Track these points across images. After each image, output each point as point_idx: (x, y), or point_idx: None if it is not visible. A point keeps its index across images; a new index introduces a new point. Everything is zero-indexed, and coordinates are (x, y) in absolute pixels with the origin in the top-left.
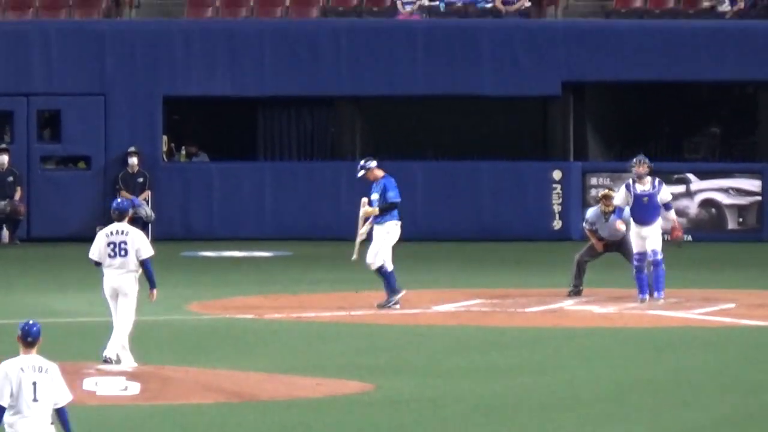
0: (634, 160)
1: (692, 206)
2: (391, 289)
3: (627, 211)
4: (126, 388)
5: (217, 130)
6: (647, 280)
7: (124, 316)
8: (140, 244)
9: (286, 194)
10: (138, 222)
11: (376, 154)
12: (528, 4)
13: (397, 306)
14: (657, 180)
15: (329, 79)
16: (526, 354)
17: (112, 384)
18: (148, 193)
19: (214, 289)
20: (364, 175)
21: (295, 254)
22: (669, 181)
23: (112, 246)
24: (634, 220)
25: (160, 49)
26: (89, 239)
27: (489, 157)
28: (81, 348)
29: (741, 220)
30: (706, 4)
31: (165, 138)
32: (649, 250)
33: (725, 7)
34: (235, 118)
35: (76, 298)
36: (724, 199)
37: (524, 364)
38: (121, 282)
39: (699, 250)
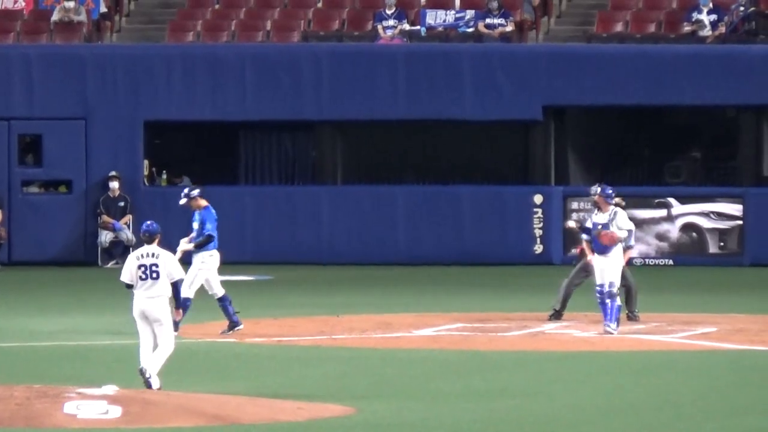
0: (592, 189)
1: (673, 230)
2: (228, 316)
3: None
4: (107, 412)
5: (198, 154)
6: (618, 309)
7: (164, 342)
8: (171, 266)
9: (267, 218)
10: (119, 246)
11: (357, 179)
12: (510, 28)
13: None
14: (615, 210)
15: (310, 104)
16: (507, 378)
17: (94, 408)
18: (129, 218)
19: (195, 312)
20: (186, 203)
21: (276, 278)
22: (650, 206)
23: (143, 269)
24: (594, 250)
25: (142, 74)
26: (70, 263)
27: (470, 182)
28: (62, 371)
29: (722, 244)
30: (687, 28)
31: (146, 162)
32: (606, 283)
33: (706, 31)
34: (217, 142)
35: (57, 321)
36: (705, 223)
37: (505, 388)
38: (150, 306)
39: (680, 274)
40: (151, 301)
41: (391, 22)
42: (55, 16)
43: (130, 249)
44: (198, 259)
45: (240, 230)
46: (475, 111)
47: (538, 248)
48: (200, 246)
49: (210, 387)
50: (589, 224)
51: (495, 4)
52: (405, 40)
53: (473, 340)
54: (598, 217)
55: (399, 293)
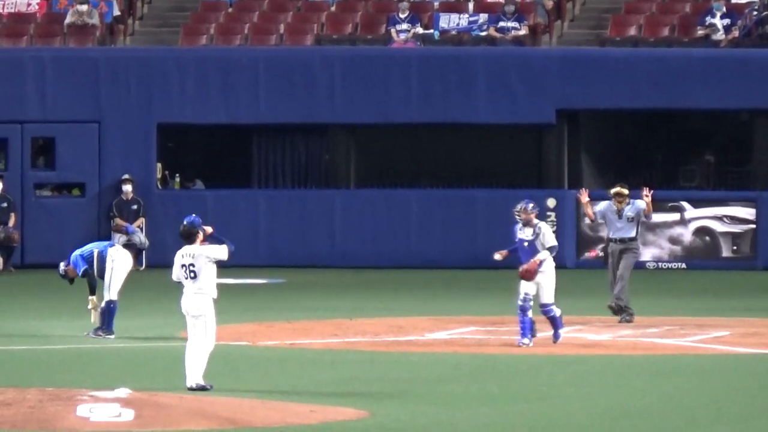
0: (518, 206)
1: (686, 234)
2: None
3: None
4: (120, 415)
5: (211, 157)
6: (531, 324)
7: (194, 339)
8: (208, 255)
9: (281, 222)
10: (132, 249)
11: (370, 182)
12: (523, 32)
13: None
14: (538, 226)
15: (323, 107)
16: (520, 381)
17: (106, 411)
18: (142, 221)
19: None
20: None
21: (289, 281)
22: (663, 209)
23: (184, 268)
24: (523, 262)
25: (155, 77)
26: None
27: (483, 185)
28: (75, 374)
29: (735, 248)
30: (700, 32)
31: (159, 165)
32: (540, 302)
33: (720, 35)
34: (230, 145)
35: (70, 324)
36: (718, 227)
37: (518, 392)
38: (192, 304)
39: (693, 278)
40: (191, 299)
41: (404, 26)
42: (68, 19)
43: (143, 252)
44: (108, 260)
45: (253, 233)
46: (489, 114)
47: None
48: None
49: (223, 390)
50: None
51: (509, 8)
52: (418, 43)
53: (486, 344)
54: (524, 233)
55: (412, 296)
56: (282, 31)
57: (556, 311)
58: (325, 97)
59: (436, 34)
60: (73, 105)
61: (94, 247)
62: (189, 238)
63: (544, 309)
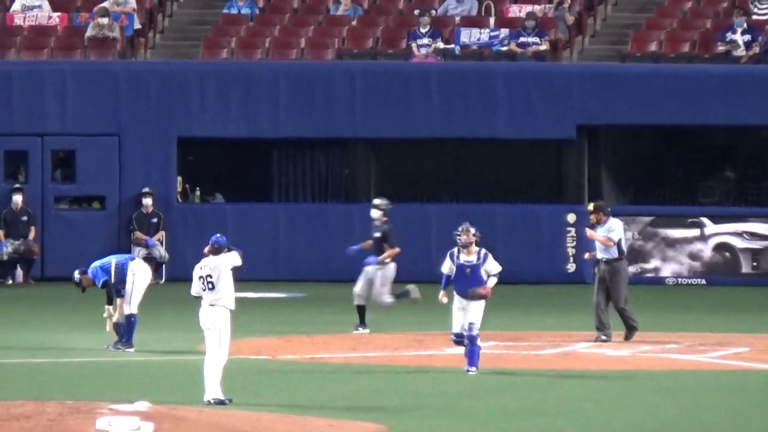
0: (460, 228)
1: (706, 250)
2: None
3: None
4: (139, 428)
5: (231, 171)
6: (478, 351)
7: (211, 352)
8: (227, 264)
9: (301, 236)
10: (152, 262)
11: (390, 197)
12: (544, 47)
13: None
14: (483, 251)
15: (344, 121)
16: (540, 396)
17: (126, 424)
18: (162, 234)
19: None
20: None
21: (309, 296)
22: (683, 225)
23: (202, 280)
24: (456, 291)
25: (175, 90)
26: None
27: (503, 200)
28: (94, 387)
29: (755, 264)
30: (721, 48)
31: (179, 179)
32: (466, 324)
33: (740, 51)
34: (250, 159)
35: (89, 337)
36: (738, 243)
37: (538, 407)
38: (208, 316)
39: (713, 294)
40: (208, 310)
41: (425, 41)
42: (89, 32)
43: (163, 266)
44: (129, 274)
45: (273, 248)
46: (509, 129)
47: (571, 267)
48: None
49: (242, 404)
50: (446, 269)
51: (530, 23)
52: (439, 58)
53: (506, 359)
54: (467, 257)
55: (431, 311)
56: (303, 45)
57: (477, 332)
58: (345, 112)
59: (457, 48)
60: (93, 118)
61: (113, 259)
62: (217, 253)
63: (469, 326)
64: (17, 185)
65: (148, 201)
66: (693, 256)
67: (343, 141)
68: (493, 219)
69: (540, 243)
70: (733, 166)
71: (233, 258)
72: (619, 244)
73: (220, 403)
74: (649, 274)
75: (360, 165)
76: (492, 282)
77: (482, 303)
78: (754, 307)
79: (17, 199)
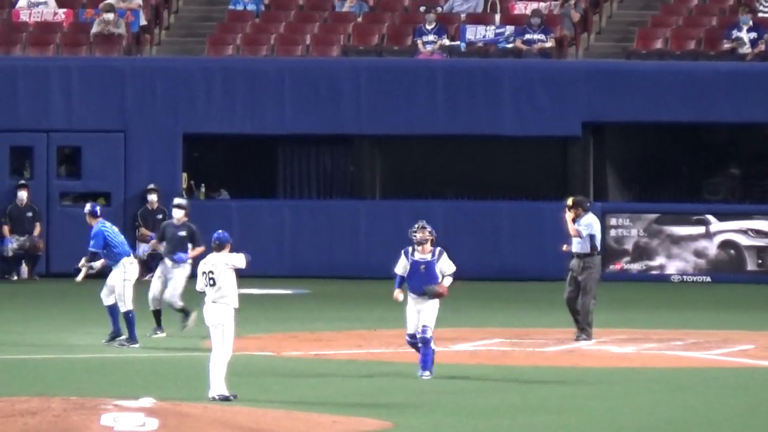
0: (415, 225)
1: (711, 247)
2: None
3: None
4: (144, 425)
5: (236, 167)
6: (432, 354)
7: (214, 349)
8: (227, 261)
9: (305, 232)
10: (157, 259)
11: (395, 193)
12: (549, 44)
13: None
14: (438, 249)
15: (349, 118)
16: (545, 393)
17: (131, 420)
18: None
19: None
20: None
21: (314, 292)
22: (688, 222)
23: (205, 276)
24: (410, 290)
25: (181, 87)
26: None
27: (508, 197)
28: (99, 384)
29: (760, 261)
30: (727, 46)
31: (185, 175)
32: (420, 326)
33: (746, 49)
34: (255, 156)
35: (94, 334)
36: (743, 240)
37: (542, 404)
38: (210, 313)
39: (718, 292)
40: (211, 307)
41: (431, 37)
42: (94, 29)
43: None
44: (119, 271)
45: (278, 244)
46: (514, 127)
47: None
48: (90, 261)
49: (246, 400)
50: (400, 269)
51: (535, 20)
52: (445, 55)
53: (511, 356)
54: (421, 255)
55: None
56: (308, 41)
57: (431, 334)
58: (350, 108)
59: (463, 45)
60: (98, 114)
61: (121, 243)
62: (220, 249)
63: (422, 328)
64: (22, 181)
65: (153, 197)
66: (698, 254)
67: (349, 138)
68: (498, 216)
69: (545, 240)
70: (739, 164)
71: (236, 259)
72: (592, 240)
73: (225, 399)
74: (654, 272)
75: (365, 162)
76: (447, 282)
77: (436, 304)
78: (759, 304)
79: (22, 195)
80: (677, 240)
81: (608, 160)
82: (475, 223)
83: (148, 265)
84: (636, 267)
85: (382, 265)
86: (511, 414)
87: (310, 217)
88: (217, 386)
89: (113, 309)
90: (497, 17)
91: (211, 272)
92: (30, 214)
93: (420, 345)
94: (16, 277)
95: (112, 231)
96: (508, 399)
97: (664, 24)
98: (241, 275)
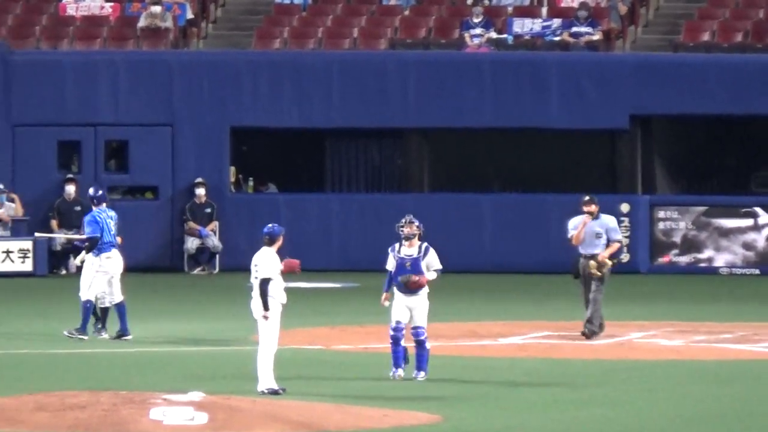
0: (402, 220)
1: (760, 240)
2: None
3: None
4: (193, 419)
5: (284, 161)
6: (404, 353)
7: (264, 341)
8: (261, 265)
9: (353, 226)
10: (205, 253)
11: (443, 186)
12: (597, 37)
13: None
14: (425, 245)
15: (397, 111)
16: (594, 387)
17: (180, 414)
18: (215, 224)
19: (281, 319)
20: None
21: (362, 286)
22: (736, 215)
23: (253, 269)
24: (396, 287)
25: (228, 80)
26: (156, 269)
27: (556, 190)
28: (149, 378)
29: None
30: None
31: (232, 169)
32: (413, 327)
33: None
34: (303, 149)
35: (143, 328)
36: None
37: (592, 397)
38: (253, 305)
39: (766, 284)
40: (253, 301)
41: (478, 31)
42: (141, 23)
43: (216, 256)
44: (95, 262)
45: (326, 238)
46: (562, 119)
47: (625, 257)
48: (89, 250)
49: (296, 394)
50: (390, 264)
51: (583, 13)
52: (492, 48)
53: (560, 349)
54: (408, 250)
55: (485, 301)
56: (356, 35)
57: (426, 335)
58: (398, 102)
59: (510, 38)
60: (146, 108)
61: (110, 228)
62: (270, 243)
63: (415, 331)
64: (70, 175)
65: (201, 191)
66: (746, 246)
67: (396, 131)
68: (546, 209)
69: None
70: None
71: (266, 268)
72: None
73: (274, 393)
74: (702, 264)
75: (413, 155)
76: (431, 276)
77: (426, 304)
78: None
79: (70, 189)
80: (725, 233)
81: (656, 152)
82: (523, 216)
83: (196, 259)
84: (684, 260)
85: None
86: (560, 408)
87: (358, 210)
88: (266, 380)
89: (119, 307)
90: (544, 10)
91: (256, 266)
92: (78, 208)
93: (416, 346)
94: (64, 272)
95: (107, 222)
96: (557, 392)
97: (711, 16)
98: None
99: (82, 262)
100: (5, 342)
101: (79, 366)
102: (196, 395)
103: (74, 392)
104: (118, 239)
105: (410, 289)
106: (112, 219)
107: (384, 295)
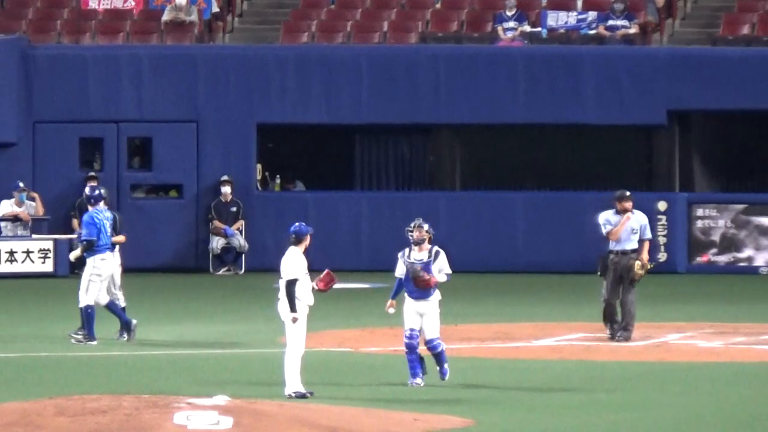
0: (412, 224)
1: None
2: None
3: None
4: (218, 423)
5: (312, 158)
6: (420, 361)
7: (288, 345)
8: (285, 266)
9: (384, 225)
10: (231, 252)
11: (475, 184)
12: (633, 30)
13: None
14: (435, 249)
15: (427, 107)
16: (630, 389)
17: (204, 418)
18: (241, 223)
19: (308, 321)
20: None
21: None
22: None
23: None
24: (407, 293)
25: (254, 76)
26: (181, 269)
27: (591, 188)
28: (172, 381)
29: None
30: None
31: (259, 166)
32: (426, 336)
33: None
34: (331, 146)
35: (167, 329)
36: None
37: (627, 400)
38: (279, 307)
39: None
40: (280, 303)
41: (511, 24)
42: (165, 17)
43: (242, 256)
44: (89, 264)
45: (355, 236)
46: (597, 115)
47: (662, 256)
48: (83, 251)
49: (324, 398)
50: (399, 271)
51: (619, 6)
52: (525, 42)
53: (595, 351)
54: (418, 254)
55: (518, 302)
56: (385, 28)
57: (442, 345)
58: (429, 97)
59: (544, 32)
60: (170, 104)
61: (106, 229)
62: (296, 243)
63: (431, 344)
64: (92, 173)
65: (226, 189)
66: None
67: (427, 127)
68: (581, 207)
69: None
70: None
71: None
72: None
73: (302, 396)
74: (741, 263)
75: (444, 152)
76: (441, 278)
77: (437, 312)
78: None
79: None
80: (765, 231)
81: (694, 149)
82: (556, 214)
83: (221, 259)
84: (723, 259)
85: (463, 258)
86: (596, 411)
87: (388, 208)
88: (293, 383)
89: (111, 305)
90: (579, 3)
91: (282, 267)
92: None
93: (433, 357)
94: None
95: (103, 224)
96: (592, 395)
97: (750, 9)
98: (317, 269)
99: (77, 258)
100: (24, 344)
101: (101, 369)
102: (221, 399)
103: (95, 396)
104: (120, 239)
105: (418, 287)
106: (108, 220)
107: (389, 302)
